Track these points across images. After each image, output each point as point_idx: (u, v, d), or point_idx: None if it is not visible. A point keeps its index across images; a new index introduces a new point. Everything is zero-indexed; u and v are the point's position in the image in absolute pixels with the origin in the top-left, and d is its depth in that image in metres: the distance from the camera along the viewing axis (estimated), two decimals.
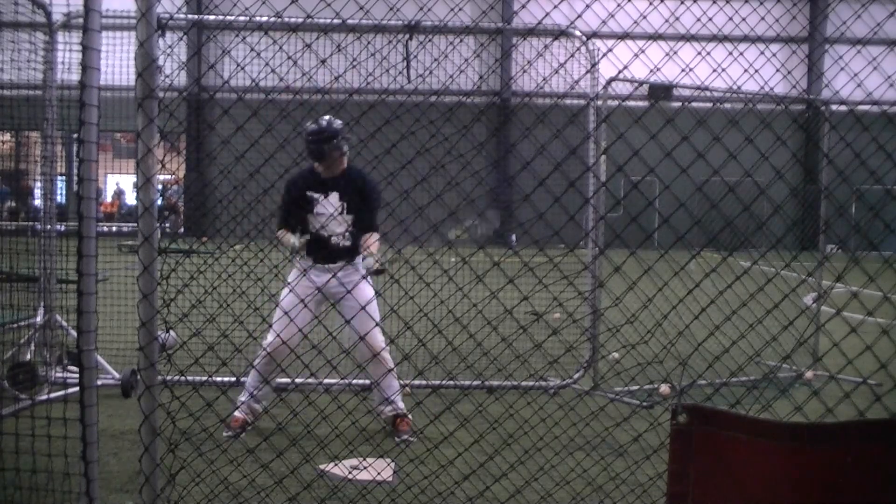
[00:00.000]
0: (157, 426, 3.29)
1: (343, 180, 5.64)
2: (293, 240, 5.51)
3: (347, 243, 5.63)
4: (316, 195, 5.61)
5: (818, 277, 7.97)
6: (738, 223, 4.04)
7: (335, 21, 5.06)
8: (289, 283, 5.57)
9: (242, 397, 5.61)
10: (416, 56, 5.76)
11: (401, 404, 5.67)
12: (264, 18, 5.35)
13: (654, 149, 3.65)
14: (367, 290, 5.50)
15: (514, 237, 14.85)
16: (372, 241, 5.54)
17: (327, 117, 5.60)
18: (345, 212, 5.60)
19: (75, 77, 3.36)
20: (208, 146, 22.40)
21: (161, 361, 3.33)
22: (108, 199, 29.80)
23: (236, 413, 5.54)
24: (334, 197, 5.61)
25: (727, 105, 5.91)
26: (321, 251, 5.60)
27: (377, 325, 5.41)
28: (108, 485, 4.50)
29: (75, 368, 5.44)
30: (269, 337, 5.42)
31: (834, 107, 7.99)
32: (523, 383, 6.40)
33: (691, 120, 3.93)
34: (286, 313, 5.20)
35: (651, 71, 4.24)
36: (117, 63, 7.07)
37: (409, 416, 5.69)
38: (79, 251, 3.17)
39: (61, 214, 8.31)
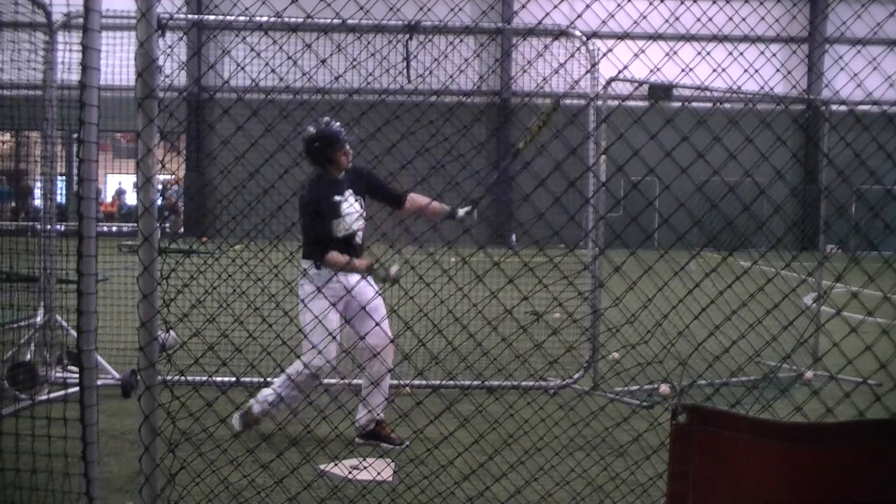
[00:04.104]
0: (157, 426, 3.29)
1: (348, 176, 5.63)
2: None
3: (363, 238, 5.64)
4: (339, 197, 5.55)
5: (818, 277, 7.97)
6: (738, 223, 4.04)
7: (335, 21, 5.06)
8: (308, 295, 5.25)
9: (269, 398, 5.37)
10: (416, 56, 5.75)
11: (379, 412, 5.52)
12: (264, 18, 5.35)
13: (654, 149, 3.65)
14: (373, 291, 5.50)
15: (514, 237, 14.85)
16: (419, 198, 5.62)
17: (326, 119, 5.58)
18: (362, 206, 5.62)
19: (75, 77, 3.36)
20: (208, 146, 22.40)
21: (161, 361, 3.33)
22: (108, 200, 29.78)
23: (255, 408, 5.38)
24: (350, 194, 5.58)
25: (727, 105, 5.91)
26: (348, 252, 5.45)
27: (377, 323, 5.40)
28: (108, 485, 4.50)
29: (75, 368, 5.43)
30: (311, 356, 5.14)
31: (834, 107, 7.99)
32: (523, 383, 6.40)
33: (691, 120, 3.93)
34: (328, 331, 5.01)
35: (651, 71, 4.24)
36: (117, 63, 7.06)
37: (382, 418, 5.53)
38: (79, 251, 3.17)
39: (61, 214, 8.31)
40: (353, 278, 5.42)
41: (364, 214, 5.61)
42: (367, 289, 5.37)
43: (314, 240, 5.45)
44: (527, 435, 4.55)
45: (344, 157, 5.54)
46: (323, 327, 4.92)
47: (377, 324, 5.14)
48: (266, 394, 5.43)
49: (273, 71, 4.10)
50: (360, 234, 5.59)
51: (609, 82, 6.88)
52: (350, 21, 5.18)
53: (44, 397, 5.91)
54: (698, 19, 3.99)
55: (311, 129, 5.54)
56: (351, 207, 5.55)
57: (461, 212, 5.55)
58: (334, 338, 5.11)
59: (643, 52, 3.73)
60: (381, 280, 5.34)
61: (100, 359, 6.32)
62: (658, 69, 4.02)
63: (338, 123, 5.57)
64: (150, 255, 3.25)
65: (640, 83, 6.33)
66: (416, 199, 5.68)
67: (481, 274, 3.85)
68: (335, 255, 5.38)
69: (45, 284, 6.49)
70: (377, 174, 5.73)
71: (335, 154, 5.50)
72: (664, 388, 6.79)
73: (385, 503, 4.19)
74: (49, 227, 6.46)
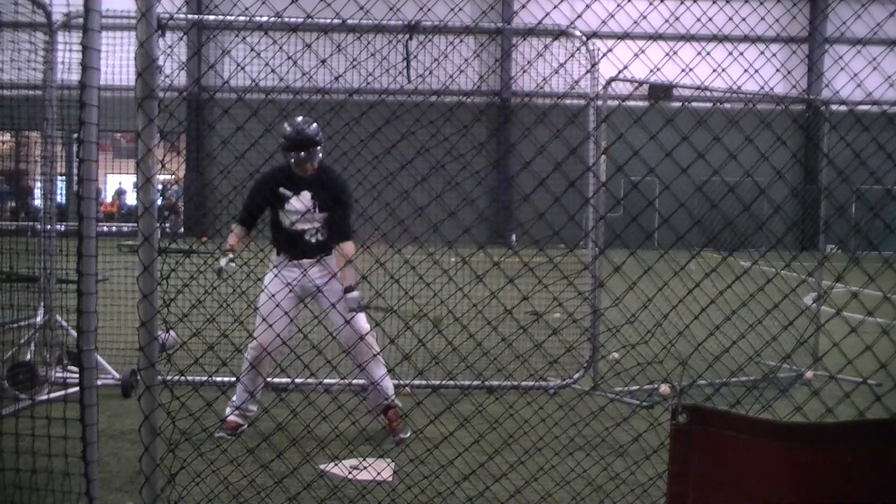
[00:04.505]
0: (157, 426, 3.29)
1: (317, 179, 5.64)
2: (224, 260, 5.47)
3: (322, 238, 5.65)
4: (288, 192, 5.61)
5: (818, 277, 7.97)
6: (738, 223, 4.04)
7: (335, 21, 5.06)
8: (266, 282, 5.56)
9: (235, 400, 5.62)
10: (416, 56, 5.75)
11: (391, 394, 5.62)
12: (264, 18, 5.35)
13: (654, 149, 3.65)
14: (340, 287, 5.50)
15: (514, 237, 14.85)
16: (342, 257, 5.51)
17: (300, 118, 5.58)
18: (316, 210, 5.61)
19: (75, 77, 3.36)
20: (208, 146, 22.41)
21: (161, 361, 3.33)
22: (108, 200, 29.77)
23: (230, 417, 5.55)
24: (306, 195, 5.61)
25: (727, 105, 5.91)
26: (292, 247, 5.61)
27: (363, 308, 5.51)
28: (108, 485, 4.50)
29: (75, 368, 5.43)
30: (256, 334, 5.44)
31: (834, 107, 7.99)
32: (523, 383, 6.40)
33: (691, 120, 3.93)
34: (260, 314, 5.25)
35: (651, 71, 4.24)
36: (117, 63, 7.06)
37: (399, 405, 5.64)
38: (79, 251, 3.17)
39: (61, 214, 8.31)
40: (315, 271, 5.57)
41: (316, 217, 5.61)
42: (335, 284, 5.37)
43: (243, 209, 5.72)
44: (527, 435, 4.55)
45: (294, 165, 5.57)
46: (271, 307, 5.12)
47: (325, 312, 5.19)
48: (233, 398, 5.67)
49: (273, 71, 4.10)
50: (311, 234, 5.63)
51: (609, 82, 6.88)
52: (350, 21, 5.18)
53: (44, 397, 5.91)
54: (698, 19, 3.99)
55: (286, 127, 5.59)
56: (295, 206, 5.58)
57: (351, 295, 5.46)
58: (266, 321, 5.15)
59: (643, 52, 3.73)
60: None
61: (100, 359, 6.32)
62: (658, 69, 4.02)
63: (315, 125, 5.56)
64: (150, 255, 3.25)
65: (640, 83, 6.34)
66: (341, 256, 5.55)
67: (481, 274, 3.85)
68: (234, 228, 5.69)
69: (45, 284, 6.49)
70: (346, 201, 5.65)
71: (287, 157, 5.57)
72: (664, 388, 6.79)
73: (385, 503, 4.19)
74: (49, 227, 6.46)
